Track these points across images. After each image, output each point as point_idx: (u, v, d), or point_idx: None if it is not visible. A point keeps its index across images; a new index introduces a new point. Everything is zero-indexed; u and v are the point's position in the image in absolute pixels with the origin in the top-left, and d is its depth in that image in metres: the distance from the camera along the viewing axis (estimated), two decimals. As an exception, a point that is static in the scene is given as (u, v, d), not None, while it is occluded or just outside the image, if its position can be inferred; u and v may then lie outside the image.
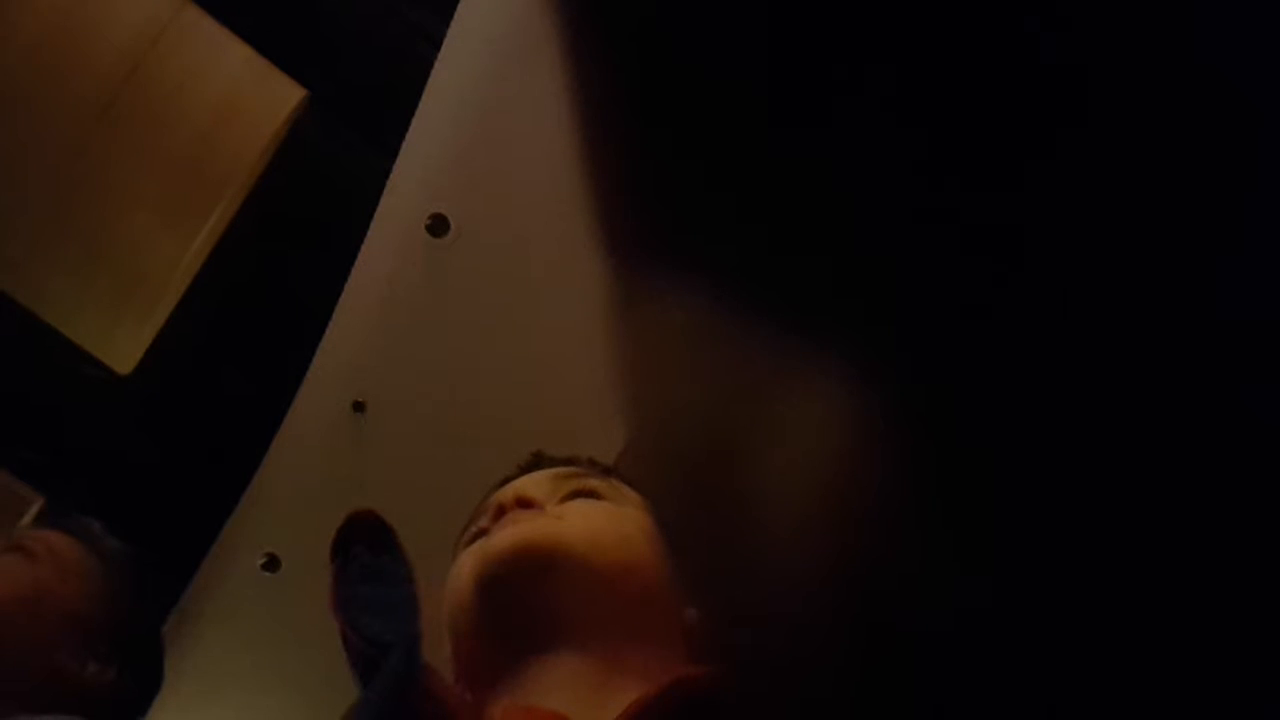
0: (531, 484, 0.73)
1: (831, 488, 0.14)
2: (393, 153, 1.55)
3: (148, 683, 0.97)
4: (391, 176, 1.56)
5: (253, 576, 1.62)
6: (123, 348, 1.64)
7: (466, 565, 0.69)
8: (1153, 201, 0.13)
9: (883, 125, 0.14)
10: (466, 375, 1.60)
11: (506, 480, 0.76)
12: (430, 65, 1.52)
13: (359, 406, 1.59)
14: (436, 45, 1.51)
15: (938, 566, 0.13)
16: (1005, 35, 0.13)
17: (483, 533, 0.71)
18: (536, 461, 0.78)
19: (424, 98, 1.53)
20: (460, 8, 1.51)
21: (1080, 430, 0.13)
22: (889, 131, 0.14)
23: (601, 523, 0.68)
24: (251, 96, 1.64)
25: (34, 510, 1.58)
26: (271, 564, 1.62)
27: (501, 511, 0.70)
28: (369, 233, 1.59)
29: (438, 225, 1.56)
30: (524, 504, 0.70)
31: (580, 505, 0.70)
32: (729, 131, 0.15)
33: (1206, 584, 0.13)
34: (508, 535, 0.67)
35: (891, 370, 0.14)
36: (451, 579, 0.71)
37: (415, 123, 1.54)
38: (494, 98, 1.42)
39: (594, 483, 0.73)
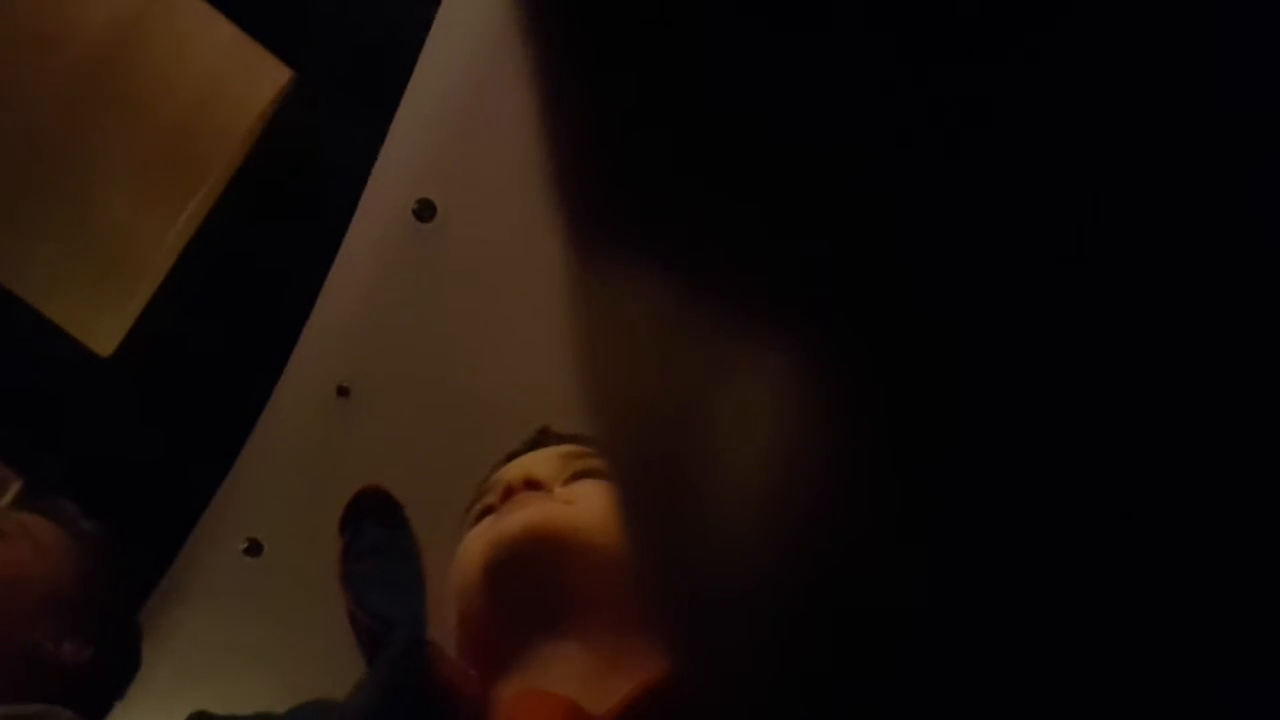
0: (539, 463, 0.72)
1: (785, 472, 0.14)
2: (380, 136, 1.54)
3: (125, 664, 0.97)
4: (378, 160, 1.55)
5: (234, 560, 1.61)
6: (104, 329, 1.62)
7: (474, 547, 0.69)
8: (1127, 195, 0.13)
9: (845, 113, 0.13)
10: (452, 361, 1.59)
11: (513, 455, 0.76)
12: (419, 49, 1.51)
13: (343, 391, 1.59)
14: (425, 28, 1.50)
15: (888, 551, 0.13)
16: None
17: (489, 510, 0.70)
18: (543, 438, 0.77)
19: (412, 82, 1.52)
20: (450, -11, 1.50)
21: (1033, 427, 0.13)
22: (851, 119, 0.13)
23: (609, 506, 0.67)
24: (237, 77, 1.63)
25: (13, 491, 1.57)
26: (253, 548, 1.62)
27: (510, 492, 0.69)
28: (355, 216, 1.58)
29: (424, 210, 1.55)
30: (532, 485, 0.69)
31: (588, 487, 0.70)
32: (689, 117, 0.15)
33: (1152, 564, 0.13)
34: (516, 520, 0.67)
35: (849, 361, 0.14)
36: (459, 559, 0.70)
37: (403, 107, 1.53)
38: (483, 83, 1.41)
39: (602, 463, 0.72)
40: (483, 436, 1.56)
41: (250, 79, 1.62)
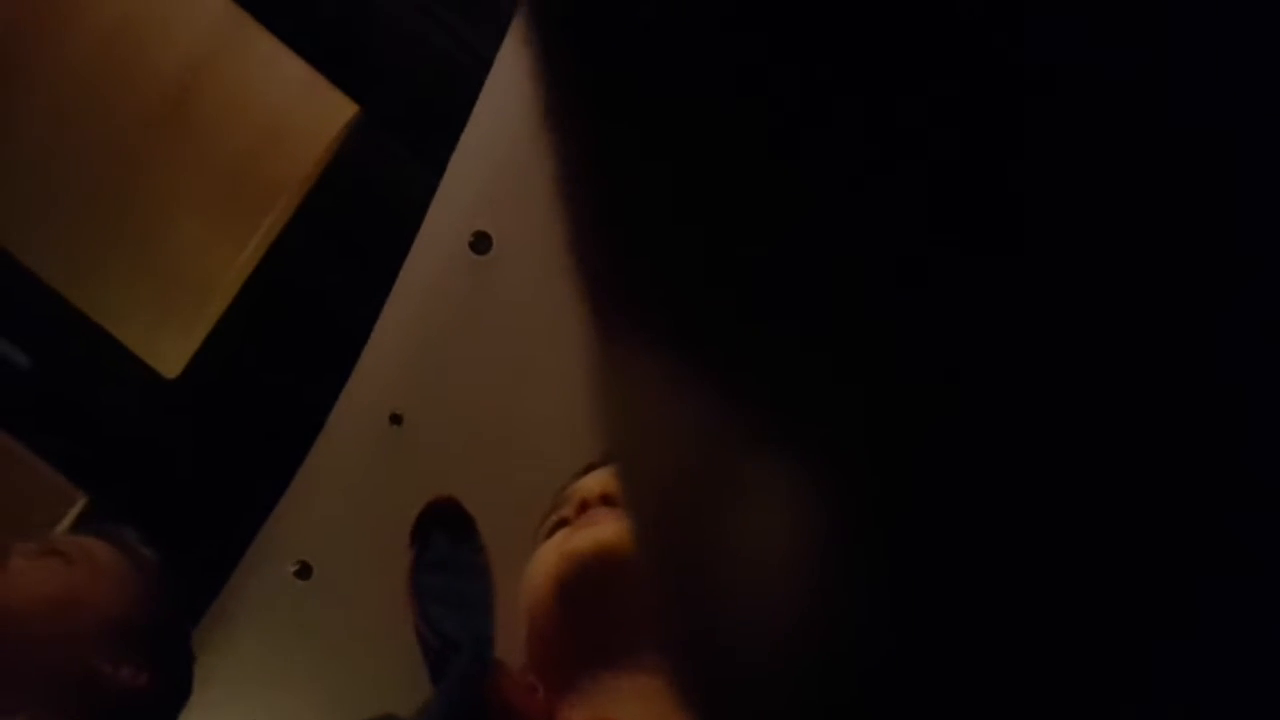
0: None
1: (784, 543, 0.15)
2: (440, 170, 1.57)
3: (179, 688, 0.99)
4: (438, 193, 1.58)
5: (285, 583, 1.64)
6: (170, 352, 1.67)
7: (547, 561, 0.67)
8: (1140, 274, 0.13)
9: (857, 173, 0.14)
10: (505, 392, 1.60)
11: (591, 467, 0.74)
12: (481, 85, 1.54)
13: (396, 419, 1.61)
14: (487, 67, 1.53)
15: (872, 625, 0.14)
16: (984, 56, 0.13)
17: (564, 522, 0.69)
18: None
19: (473, 117, 1.55)
20: (513, 28, 1.53)
21: (1032, 540, 0.14)
22: (864, 182, 0.14)
23: None
24: (305, 111, 1.67)
25: (76, 509, 1.61)
26: (304, 571, 1.64)
27: (585, 506, 0.68)
28: (413, 247, 1.60)
29: (481, 242, 1.58)
30: (608, 501, 0.67)
31: None
32: (695, 188, 0.15)
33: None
34: (590, 536, 0.65)
35: (847, 445, 0.14)
36: (532, 572, 0.69)
37: (463, 141, 1.56)
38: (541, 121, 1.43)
39: None
40: (535, 467, 1.57)
41: (318, 113, 1.67)
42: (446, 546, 0.70)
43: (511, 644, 0.72)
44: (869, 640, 0.14)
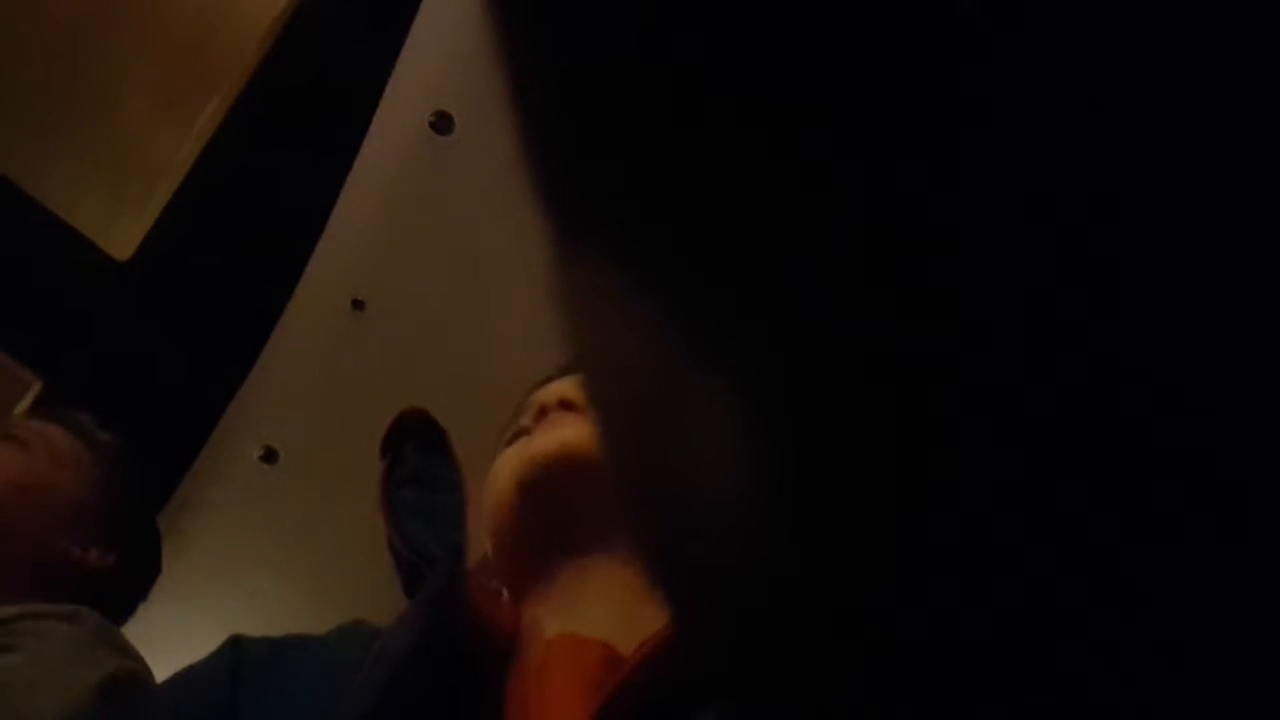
0: (575, 386, 0.71)
1: (730, 438, 0.15)
2: (397, 46, 1.52)
3: (148, 567, 0.99)
4: (395, 71, 1.53)
5: (250, 467, 1.64)
6: (121, 233, 1.63)
7: (507, 466, 0.68)
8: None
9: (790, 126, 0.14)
10: (468, 275, 1.59)
11: (548, 379, 0.75)
12: (439, -45, 1.47)
13: (358, 304, 1.59)
14: (445, -65, 1.46)
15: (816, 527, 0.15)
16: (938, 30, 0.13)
17: (523, 432, 0.70)
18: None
19: (431, -10, 1.49)
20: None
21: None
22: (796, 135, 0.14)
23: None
24: (254, -20, 1.60)
25: (32, 393, 1.59)
26: (269, 456, 1.64)
27: (544, 412, 0.69)
28: (371, 127, 1.56)
29: (442, 123, 1.54)
30: (567, 406, 0.68)
31: None
32: (636, 131, 0.15)
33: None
34: (550, 439, 0.66)
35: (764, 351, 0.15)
36: (491, 478, 0.70)
37: (421, 15, 1.50)
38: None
39: None
40: (496, 350, 1.57)
41: (267, -17, 1.60)
42: (419, 459, 0.70)
43: (474, 551, 0.74)
44: (808, 523, 0.15)
